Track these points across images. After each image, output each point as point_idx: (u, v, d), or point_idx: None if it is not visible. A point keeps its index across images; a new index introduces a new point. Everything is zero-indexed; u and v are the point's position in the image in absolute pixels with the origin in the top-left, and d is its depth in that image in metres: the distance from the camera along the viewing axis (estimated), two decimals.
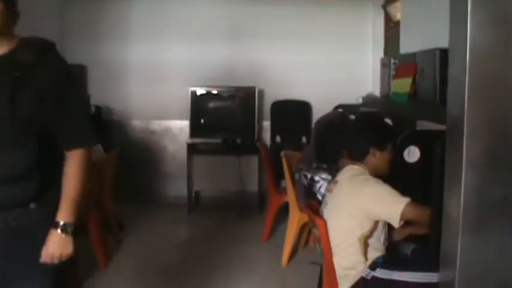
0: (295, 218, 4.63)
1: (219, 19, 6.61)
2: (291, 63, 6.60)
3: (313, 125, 4.92)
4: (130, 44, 6.59)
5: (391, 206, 2.60)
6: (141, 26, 6.61)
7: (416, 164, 3.08)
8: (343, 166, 3.11)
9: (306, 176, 3.34)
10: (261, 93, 6.56)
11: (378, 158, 2.80)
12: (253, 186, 6.51)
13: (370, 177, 2.74)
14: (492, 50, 2.16)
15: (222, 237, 5.54)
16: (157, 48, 6.60)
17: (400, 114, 4.11)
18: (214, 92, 6.52)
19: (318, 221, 2.74)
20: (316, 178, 3.26)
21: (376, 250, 2.73)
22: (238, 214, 6.22)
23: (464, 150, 2.18)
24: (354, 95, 6.03)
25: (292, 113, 6.62)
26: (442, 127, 3.35)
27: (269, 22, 6.58)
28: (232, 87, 6.51)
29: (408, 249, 2.98)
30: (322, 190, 3.21)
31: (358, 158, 2.83)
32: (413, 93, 4.30)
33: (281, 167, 4.94)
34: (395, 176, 2.95)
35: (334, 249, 2.73)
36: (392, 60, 4.94)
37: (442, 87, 3.72)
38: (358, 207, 2.66)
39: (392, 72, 4.93)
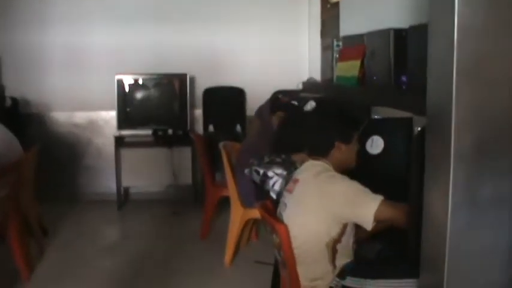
0: (238, 214, 4.31)
1: (147, 1, 6.18)
2: (223, 48, 6.29)
3: (254, 113, 4.59)
4: (49, 28, 6.06)
5: (363, 206, 2.31)
6: (60, 8, 6.07)
7: (380, 155, 2.79)
8: (301, 161, 2.79)
9: (257, 172, 3.00)
10: (193, 80, 6.23)
11: (343, 151, 2.50)
12: (186, 179, 6.16)
13: (336, 174, 2.44)
14: (484, 27, 1.90)
15: (157, 237, 5.18)
16: (79, 33, 6.10)
17: (350, 100, 3.82)
18: (143, 79, 6.10)
19: (278, 226, 2.40)
20: (270, 174, 2.93)
21: (345, 256, 2.44)
22: (173, 210, 5.84)
23: (452, 143, 1.95)
24: (292, 80, 5.75)
25: (225, 101, 6.30)
26: (400, 113, 3.14)
27: (199, 5, 6.22)
28: (162, 74, 6.13)
29: (372, 250, 2.69)
30: (277, 187, 2.88)
31: (321, 153, 2.51)
32: (362, 77, 4.02)
33: (216, 158, 4.63)
34: (357, 170, 2.66)
35: (298, 258, 2.41)
36: (335, 43, 4.66)
37: (397, 70, 3.45)
38: (325, 210, 2.34)
39: (336, 55, 4.64)
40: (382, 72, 3.62)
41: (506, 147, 1.99)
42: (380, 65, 3.66)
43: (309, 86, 5.38)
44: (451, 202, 1.93)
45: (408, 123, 2.80)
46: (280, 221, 2.48)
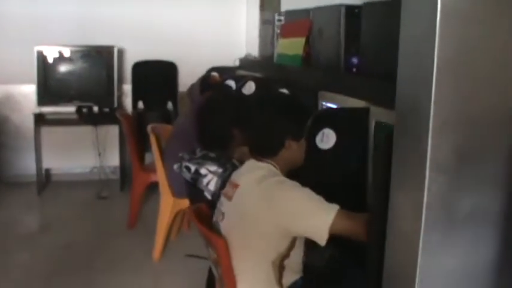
0: (168, 205, 3.91)
1: None
2: (154, 19, 5.79)
3: (186, 90, 4.14)
4: None
5: (317, 219, 1.94)
6: None
7: (331, 150, 2.41)
8: (241, 158, 2.39)
9: (188, 169, 2.56)
10: (121, 53, 5.72)
11: (294, 150, 2.11)
12: (113, 161, 5.68)
13: (285, 180, 2.05)
14: (473, 9, 1.55)
15: (80, 226, 4.66)
16: None
17: (294, 82, 3.42)
18: (66, 51, 5.51)
19: (215, 240, 1.99)
20: (203, 171, 2.49)
21: (294, 272, 2.08)
22: (97, 194, 5.34)
23: (429, 149, 1.60)
24: (228, 56, 5.32)
25: (156, 76, 5.82)
26: (351, 100, 2.76)
27: None
28: (87, 46, 5.57)
29: (321, 257, 2.33)
30: (211, 187, 2.46)
31: (268, 154, 2.10)
32: (307, 57, 3.62)
33: (145, 138, 4.21)
34: (306, 167, 2.28)
35: (238, 277, 2.02)
36: (277, 17, 4.23)
37: (348, 51, 3.08)
38: (273, 223, 1.96)
39: (277, 31, 4.22)
40: (331, 52, 3.25)
41: (489, 153, 1.67)
42: (328, 45, 3.28)
43: (247, 63, 4.94)
44: (424, 217, 1.61)
45: (364, 114, 2.43)
46: (217, 234, 2.06)
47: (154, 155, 3.98)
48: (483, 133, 1.63)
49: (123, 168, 5.60)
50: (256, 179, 2.05)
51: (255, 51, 5.34)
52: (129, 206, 4.59)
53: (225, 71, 4.58)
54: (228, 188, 2.15)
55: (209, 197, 2.47)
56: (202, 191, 2.49)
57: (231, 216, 2.08)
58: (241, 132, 2.61)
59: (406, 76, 1.68)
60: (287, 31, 4.02)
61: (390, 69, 2.72)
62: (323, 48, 3.39)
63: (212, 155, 2.56)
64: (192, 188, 2.62)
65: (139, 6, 5.70)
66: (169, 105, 5.81)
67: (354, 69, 3.13)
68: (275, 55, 4.30)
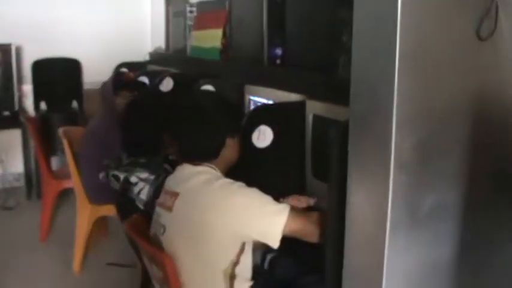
0: (85, 212, 3.66)
1: None
2: (53, 15, 5.39)
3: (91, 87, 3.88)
4: None
5: (269, 221, 1.83)
6: None
7: (268, 148, 2.28)
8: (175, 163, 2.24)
9: (117, 178, 2.34)
10: (19, 51, 5.30)
11: (231, 147, 1.98)
12: (17, 168, 5.26)
13: (230, 181, 1.92)
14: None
15: None
16: None
17: (213, 76, 3.26)
18: None
19: (162, 258, 1.82)
20: (133, 179, 2.29)
21: (245, 280, 1.94)
22: (1, 205, 4.95)
23: (393, 146, 1.51)
24: (136, 50, 5.07)
25: (59, 74, 5.44)
26: (280, 94, 2.63)
27: None
28: None
29: (262, 258, 2.21)
30: (143, 196, 2.27)
31: (209, 156, 1.94)
32: (224, 49, 3.47)
33: (51, 141, 4.07)
34: (244, 168, 2.14)
35: None
36: (188, 8, 4.04)
37: (271, 41, 2.94)
38: (222, 229, 1.82)
39: (189, 23, 4.04)
40: (252, 43, 3.13)
41: (449, 148, 1.60)
42: (250, 36, 3.16)
43: (158, 57, 4.71)
44: (390, 217, 1.54)
45: (300, 108, 2.32)
46: (163, 251, 1.88)
47: (67, 160, 3.69)
48: (443, 128, 1.58)
49: (29, 174, 5.21)
50: (200, 184, 1.89)
51: (162, 45, 5.12)
52: (39, 216, 4.25)
53: (135, 67, 4.35)
54: (164, 198, 1.97)
55: (141, 206, 2.27)
56: (133, 200, 2.29)
57: (173, 228, 1.90)
58: (171, 136, 2.43)
59: (362, 69, 1.57)
60: (201, 23, 3.85)
61: (319, 59, 2.68)
62: (244, 40, 3.26)
63: (142, 160, 2.35)
64: (120, 197, 2.41)
65: (36, 1, 5.30)
66: (74, 104, 5.45)
67: (278, 61, 3.01)
68: (188, 48, 4.12)
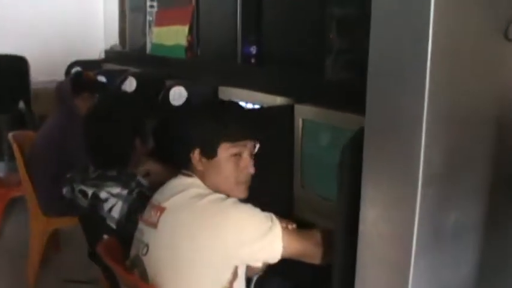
0: (39, 224, 3.38)
1: None
2: None
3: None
4: None
5: (266, 243, 1.64)
6: None
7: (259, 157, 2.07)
8: (146, 173, 2.01)
9: (84, 194, 2.06)
10: None
11: (225, 159, 1.75)
12: None
13: (223, 197, 1.69)
14: None
15: None
16: None
17: (178, 76, 3.03)
18: None
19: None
20: (103, 195, 2.02)
21: None
22: None
23: (422, 156, 1.31)
24: (88, 48, 4.77)
25: (2, 72, 5.05)
26: (259, 95, 2.43)
27: None
28: None
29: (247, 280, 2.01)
30: (116, 214, 2.01)
31: (181, 162, 1.74)
32: (190, 47, 3.24)
33: None
34: None
35: None
36: (149, 3, 3.79)
37: (245, 39, 2.74)
38: (213, 251, 1.61)
39: (150, 18, 3.79)
40: (223, 41, 2.91)
41: (476, 157, 1.45)
42: (221, 32, 2.93)
43: (114, 55, 4.42)
44: (416, 237, 1.35)
45: (288, 112, 2.12)
46: (145, 280, 1.64)
47: (18, 166, 3.37)
48: (471, 134, 1.41)
49: None
50: (188, 198, 1.68)
51: (116, 41, 4.84)
52: None
53: (89, 66, 4.06)
54: (149, 213, 1.74)
55: (113, 225, 2.02)
56: (103, 219, 2.03)
57: (158, 247, 1.68)
58: (143, 143, 2.19)
59: (382, 71, 1.38)
60: (163, 19, 3.62)
61: (301, 58, 2.49)
62: (214, 37, 3.03)
63: (111, 173, 2.09)
64: (87, 216, 2.14)
65: None
66: (21, 104, 5.09)
67: (253, 60, 2.81)
68: (148, 45, 3.87)
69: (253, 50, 2.81)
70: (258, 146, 1.81)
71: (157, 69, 3.46)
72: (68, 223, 3.17)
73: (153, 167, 2.20)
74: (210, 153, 1.73)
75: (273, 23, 2.62)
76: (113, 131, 2.13)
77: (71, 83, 3.19)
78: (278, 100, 2.27)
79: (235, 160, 1.75)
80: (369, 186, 1.45)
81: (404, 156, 1.34)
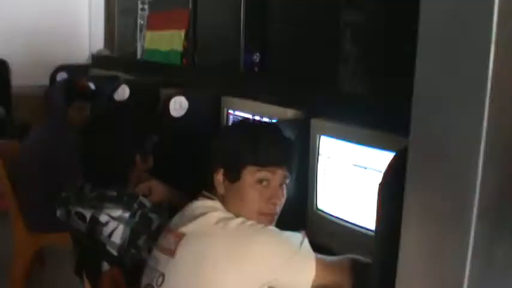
0: (23, 241, 3.20)
1: None
2: None
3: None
4: None
5: (296, 272, 1.51)
6: None
7: None
8: (159, 194, 1.86)
9: (82, 217, 1.88)
10: None
11: (248, 185, 1.60)
12: None
13: (250, 223, 1.55)
14: None
15: None
16: None
17: (175, 84, 2.88)
18: None
19: None
20: (103, 218, 1.83)
21: None
22: None
23: (478, 183, 1.17)
24: (73, 52, 4.60)
25: None
26: (266, 107, 2.28)
27: None
28: None
29: None
30: (117, 239, 1.84)
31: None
32: (186, 53, 3.10)
33: None
34: None
35: None
36: (140, 6, 3.62)
37: (249, 48, 2.61)
38: (241, 281, 1.47)
39: (141, 21, 3.63)
40: (224, 47, 2.77)
41: None
42: (221, 38, 2.78)
43: (102, 60, 4.23)
44: (468, 274, 1.21)
45: (303, 128, 1.98)
46: None
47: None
48: None
49: None
50: (211, 224, 1.53)
51: (101, 45, 4.67)
52: None
53: (75, 71, 3.89)
54: (166, 240, 1.59)
55: (114, 252, 1.85)
56: (103, 245, 1.87)
57: (177, 277, 1.53)
58: (144, 159, 2.02)
59: (432, 82, 1.24)
60: (157, 22, 3.47)
61: (310, 67, 2.36)
62: (213, 43, 2.89)
63: (111, 193, 1.92)
64: (84, 241, 1.97)
65: None
66: (1, 110, 4.89)
67: (256, 69, 2.67)
68: (139, 51, 3.70)
69: (256, 57, 2.67)
70: (288, 178, 1.64)
71: (150, 76, 3.30)
72: (56, 241, 3.00)
73: (155, 185, 2.04)
74: (233, 175, 1.58)
75: (279, 30, 2.48)
76: (114, 146, 1.96)
77: (63, 90, 3.01)
78: (289, 113, 2.13)
79: (261, 188, 1.59)
80: (412, 216, 1.31)
81: (456, 185, 1.21)
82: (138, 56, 3.72)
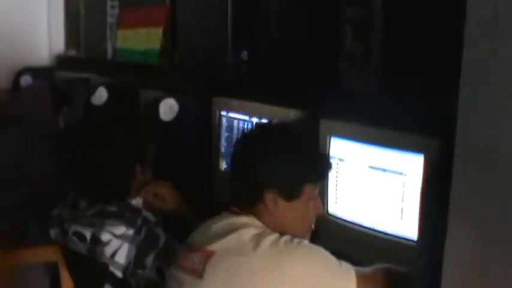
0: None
1: None
2: None
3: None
4: None
5: (339, 286, 1.43)
6: None
7: None
8: (166, 200, 1.77)
9: (81, 236, 1.73)
10: None
11: (303, 204, 1.56)
12: None
13: (288, 238, 1.45)
14: None
15: None
16: None
17: (154, 84, 2.75)
18: None
19: None
20: (105, 237, 1.69)
21: None
22: None
23: None
24: (35, 54, 4.34)
25: None
26: (265, 108, 2.16)
27: None
28: None
29: None
30: (121, 259, 1.70)
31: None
32: (164, 52, 2.98)
33: None
34: None
35: None
36: (109, 3, 3.47)
37: (237, 42, 2.51)
38: None
39: (111, 20, 3.48)
40: (209, 44, 2.64)
41: None
42: (205, 35, 2.66)
43: (69, 62, 4.03)
44: None
45: (312, 128, 1.89)
46: None
47: None
48: None
49: None
50: (245, 242, 1.42)
51: (61, 45, 4.45)
52: None
53: (41, 73, 3.70)
54: (189, 258, 1.48)
55: (119, 274, 1.72)
56: (105, 266, 1.73)
57: None
58: (144, 170, 1.90)
59: (479, 79, 1.17)
60: (130, 20, 3.31)
61: (302, 65, 2.26)
62: (196, 40, 2.76)
63: (111, 208, 1.78)
64: (82, 263, 1.83)
65: None
66: None
67: (244, 68, 2.57)
68: (110, 51, 3.54)
69: (244, 55, 2.56)
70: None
71: (124, 77, 3.15)
72: (30, 257, 2.84)
73: (167, 190, 1.91)
74: (292, 193, 1.50)
75: (270, 25, 2.39)
76: (114, 157, 1.82)
77: (50, 95, 2.82)
78: (292, 114, 2.03)
79: (313, 203, 1.56)
80: (458, 226, 1.24)
81: (506, 193, 1.14)
82: (109, 56, 3.56)
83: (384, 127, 1.71)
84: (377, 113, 1.76)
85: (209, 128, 2.39)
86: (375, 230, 1.76)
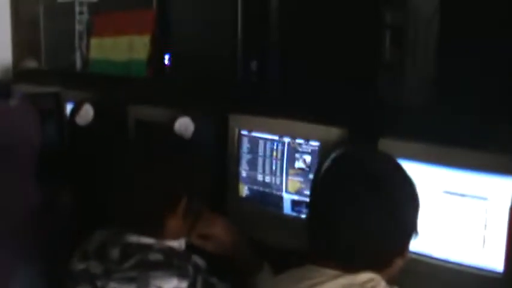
0: None
1: None
2: None
3: None
4: None
5: None
6: None
7: None
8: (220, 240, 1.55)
9: None
10: None
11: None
12: None
13: None
14: None
15: None
16: None
17: (146, 99, 2.52)
18: None
19: None
20: None
21: None
22: None
23: None
24: None
25: None
26: (296, 125, 1.96)
27: None
28: None
29: None
30: None
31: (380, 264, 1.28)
32: (151, 62, 2.76)
33: None
34: None
35: None
36: (78, 9, 3.20)
37: (247, 50, 2.33)
38: None
39: (79, 28, 3.23)
40: (212, 54, 2.45)
41: None
42: (207, 42, 2.47)
43: (29, 74, 3.71)
44: None
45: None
46: None
47: None
48: None
49: None
50: None
51: (8, 57, 4.14)
52: None
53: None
54: None
55: None
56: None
57: None
58: (190, 203, 1.62)
59: None
60: (106, 27, 3.05)
61: (329, 74, 2.10)
62: (195, 51, 2.55)
63: (155, 257, 1.52)
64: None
65: None
66: None
67: (253, 78, 2.39)
68: (79, 62, 3.27)
69: (253, 65, 2.37)
70: None
71: (101, 91, 2.88)
72: None
73: (218, 229, 1.67)
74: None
75: (286, 32, 2.21)
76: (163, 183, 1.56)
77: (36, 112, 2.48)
78: (333, 133, 1.84)
79: None
80: None
81: None
82: (78, 67, 3.29)
83: (462, 147, 1.56)
84: (446, 131, 1.62)
85: (221, 149, 2.17)
86: (450, 262, 1.61)
